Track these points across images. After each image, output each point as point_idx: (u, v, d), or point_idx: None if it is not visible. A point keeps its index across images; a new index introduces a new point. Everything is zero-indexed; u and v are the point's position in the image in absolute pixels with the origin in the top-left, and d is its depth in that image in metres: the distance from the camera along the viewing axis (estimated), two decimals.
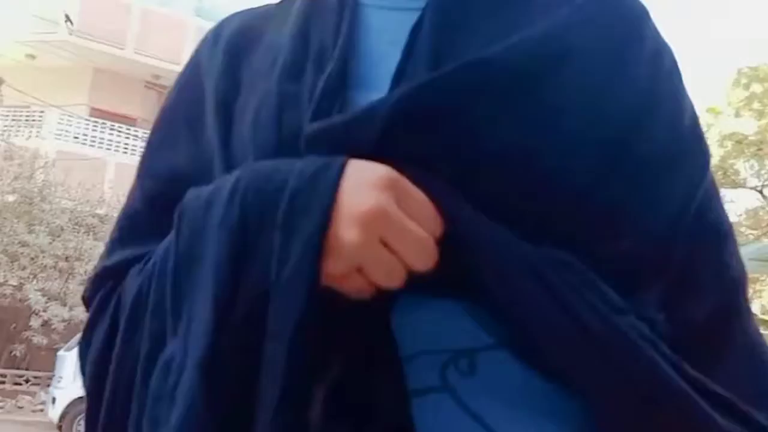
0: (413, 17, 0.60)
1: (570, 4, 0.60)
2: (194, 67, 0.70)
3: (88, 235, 13.05)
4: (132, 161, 15.99)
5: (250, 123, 0.60)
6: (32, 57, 16.41)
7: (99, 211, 13.37)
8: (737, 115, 16.28)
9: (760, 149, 15.30)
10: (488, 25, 0.59)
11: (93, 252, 12.55)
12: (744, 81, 16.11)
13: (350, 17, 0.62)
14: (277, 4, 0.71)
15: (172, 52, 16.39)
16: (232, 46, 0.67)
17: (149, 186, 0.69)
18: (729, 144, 15.39)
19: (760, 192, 15.95)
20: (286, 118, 0.58)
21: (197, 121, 0.66)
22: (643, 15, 0.63)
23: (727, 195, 15.74)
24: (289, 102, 0.58)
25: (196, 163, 0.64)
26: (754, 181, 15.79)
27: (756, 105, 15.74)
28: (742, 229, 15.25)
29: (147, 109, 17.59)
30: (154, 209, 0.66)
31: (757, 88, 15.95)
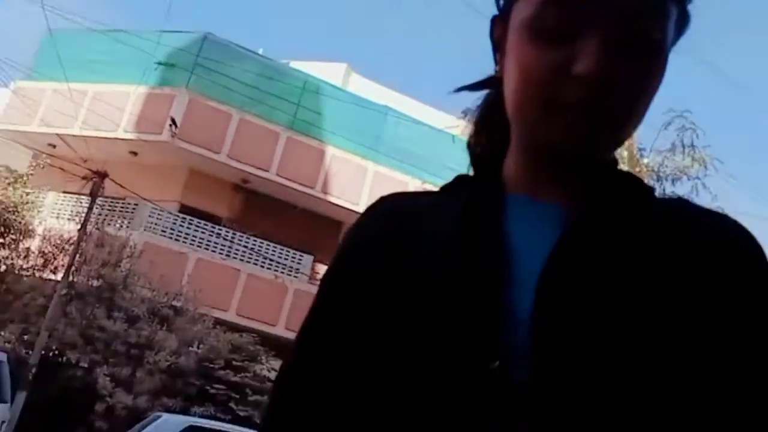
0: (554, 232, 0.72)
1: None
2: (359, 239, 0.81)
3: (162, 325, 13.33)
4: (211, 257, 16.64)
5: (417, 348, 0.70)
6: (134, 154, 17.50)
7: (175, 303, 13.77)
8: None
9: None
10: (616, 267, 0.69)
11: (164, 343, 12.85)
12: None
13: (501, 227, 0.73)
14: (434, 193, 0.85)
15: (263, 159, 17.31)
16: (388, 241, 0.77)
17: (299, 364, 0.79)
18: None
19: None
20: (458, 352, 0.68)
21: (349, 297, 0.77)
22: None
23: None
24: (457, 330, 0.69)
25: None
26: None
27: None
28: None
29: (233, 210, 18.40)
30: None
31: None
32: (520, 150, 0.78)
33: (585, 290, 0.68)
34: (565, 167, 0.75)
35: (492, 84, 0.85)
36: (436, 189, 0.85)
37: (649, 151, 11.41)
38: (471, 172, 0.86)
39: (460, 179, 0.84)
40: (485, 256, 0.71)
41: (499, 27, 0.79)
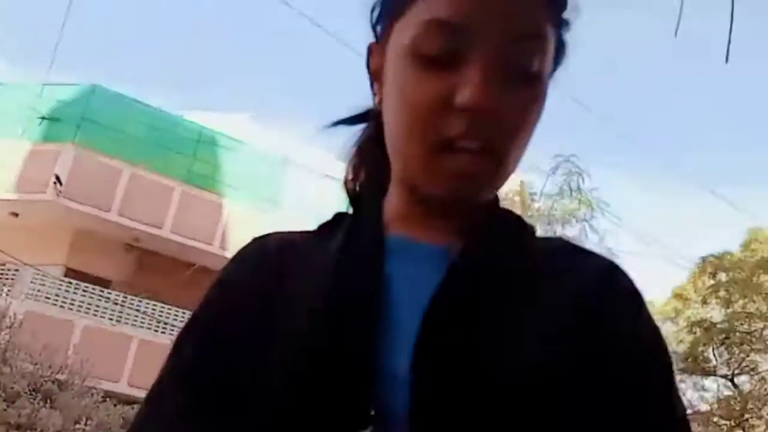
0: (433, 276, 0.70)
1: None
2: (228, 286, 0.78)
3: (45, 402, 12.44)
4: (100, 324, 15.82)
5: (278, 365, 0.67)
6: (15, 215, 16.49)
7: (60, 376, 12.91)
8: (704, 302, 16.56)
9: (728, 337, 15.40)
10: (497, 320, 0.67)
11: (48, 421, 11.98)
12: (710, 270, 16.53)
13: (379, 273, 0.71)
14: (312, 233, 0.81)
15: (156, 215, 16.64)
16: (270, 274, 0.75)
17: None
18: (698, 331, 15.51)
19: (731, 381, 15.87)
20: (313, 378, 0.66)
21: (226, 344, 0.72)
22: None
23: (698, 382, 15.61)
24: (317, 359, 0.66)
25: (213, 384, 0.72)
26: (723, 370, 15.76)
27: (722, 293, 16.05)
28: (715, 419, 15.02)
29: (124, 271, 17.55)
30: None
31: (722, 276, 16.34)
32: (401, 187, 0.76)
33: (466, 342, 0.65)
34: (446, 207, 0.73)
35: (370, 117, 0.83)
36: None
37: (539, 195, 11.97)
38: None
39: (338, 217, 0.81)
40: (359, 308, 0.68)
41: (376, 55, 0.77)
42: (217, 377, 0.71)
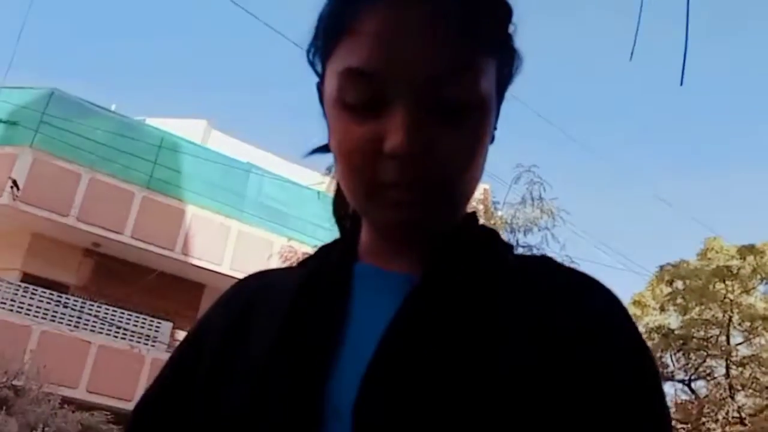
0: (396, 305, 0.68)
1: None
2: (204, 322, 0.81)
3: (1, 409, 12.10)
4: (58, 329, 15.47)
5: (234, 393, 0.68)
6: None
7: (16, 383, 12.60)
8: (662, 309, 16.87)
9: (685, 343, 15.71)
10: (455, 346, 0.65)
11: (3, 428, 11.69)
12: (667, 277, 16.86)
13: (337, 304, 0.71)
14: (294, 268, 0.82)
15: (116, 220, 16.35)
16: (241, 310, 0.77)
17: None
18: (656, 337, 15.78)
19: (688, 385, 16.17)
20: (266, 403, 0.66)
21: (187, 374, 0.76)
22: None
23: None
24: (271, 388, 0.66)
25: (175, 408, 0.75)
26: (681, 375, 16.07)
27: (679, 300, 16.37)
28: (672, 423, 15.27)
29: (83, 276, 17.21)
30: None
31: (679, 284, 16.68)
32: (365, 223, 0.76)
33: (416, 377, 0.62)
34: (406, 236, 0.72)
35: None
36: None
37: (502, 204, 12.25)
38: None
39: (321, 249, 0.81)
40: (313, 340, 0.67)
41: (323, 93, 0.76)
42: (171, 415, 0.75)
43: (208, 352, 0.75)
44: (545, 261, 0.76)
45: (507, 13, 0.72)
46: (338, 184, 0.80)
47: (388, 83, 0.66)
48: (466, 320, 0.66)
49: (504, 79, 0.74)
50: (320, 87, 0.76)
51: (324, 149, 0.81)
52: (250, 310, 0.76)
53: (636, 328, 0.70)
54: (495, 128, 0.75)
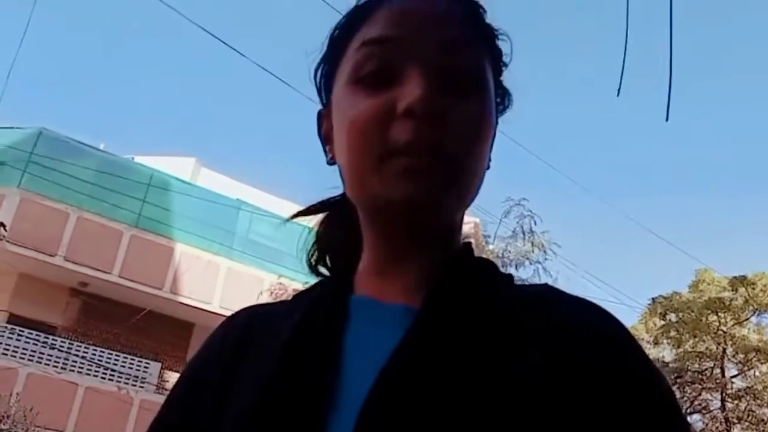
0: (395, 337, 0.66)
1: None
2: (206, 353, 0.79)
3: None
4: (45, 371, 15.24)
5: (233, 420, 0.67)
6: None
7: (2, 427, 12.42)
8: (656, 342, 16.80)
9: (680, 377, 15.61)
10: (457, 381, 0.62)
11: None
12: (660, 310, 16.82)
13: (339, 332, 0.69)
14: (285, 302, 0.81)
15: (104, 260, 16.24)
16: (235, 344, 0.75)
17: None
18: None
19: None
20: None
21: (188, 414, 0.74)
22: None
23: None
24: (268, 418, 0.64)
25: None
26: None
27: (673, 333, 16.32)
28: None
29: (70, 317, 17.01)
30: None
31: (672, 317, 16.64)
32: (367, 234, 0.75)
33: (414, 408, 0.61)
34: (410, 248, 0.72)
35: (331, 204, 0.85)
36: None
37: (493, 238, 12.21)
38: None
39: (317, 285, 0.81)
40: (311, 373, 0.66)
41: (325, 120, 0.78)
42: None
43: (207, 387, 0.73)
44: (548, 290, 0.73)
45: (493, 29, 0.77)
46: (327, 220, 0.84)
47: (404, 51, 0.69)
48: (467, 352, 0.64)
49: (497, 85, 0.76)
50: (321, 115, 0.79)
51: (316, 209, 0.86)
52: (246, 342, 0.75)
53: (643, 351, 0.68)
54: (494, 135, 0.75)
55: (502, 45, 0.77)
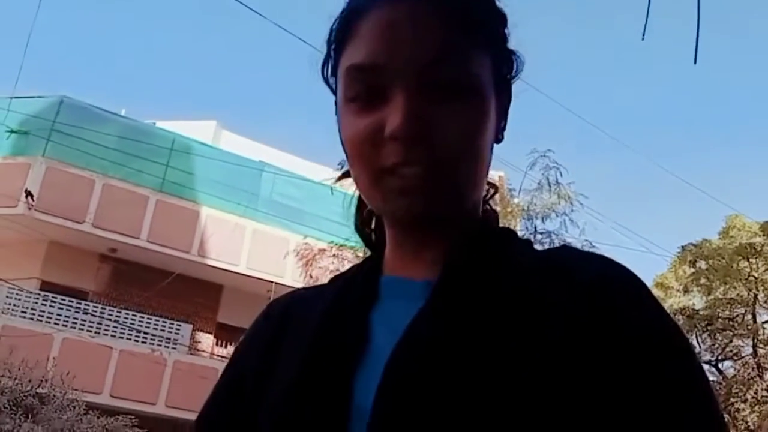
0: (416, 308, 0.71)
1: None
2: (244, 343, 0.86)
3: (27, 417, 12.18)
4: (79, 336, 15.56)
5: (270, 406, 0.73)
6: None
7: (41, 390, 12.65)
8: (686, 290, 16.66)
9: (710, 324, 15.51)
10: (475, 352, 0.66)
11: None
12: (689, 258, 16.64)
13: (361, 316, 0.75)
14: (319, 286, 0.88)
15: (132, 225, 16.43)
16: (275, 330, 0.82)
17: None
18: (680, 318, 15.60)
19: (715, 366, 15.99)
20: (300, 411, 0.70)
21: (236, 396, 0.81)
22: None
23: None
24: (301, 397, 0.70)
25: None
26: (707, 356, 15.88)
27: (703, 281, 16.16)
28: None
29: (101, 282, 17.33)
30: None
31: (702, 264, 16.46)
32: (386, 225, 0.80)
33: (433, 376, 0.65)
34: (425, 233, 0.76)
35: None
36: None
37: (518, 191, 12.05)
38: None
39: (352, 268, 0.85)
40: (339, 351, 0.71)
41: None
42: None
43: (251, 369, 0.80)
44: (566, 251, 0.77)
45: (497, 16, 0.78)
46: (359, 198, 0.86)
47: (386, 73, 0.71)
48: (483, 319, 0.68)
49: (502, 79, 0.78)
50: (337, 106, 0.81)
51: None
52: (285, 324, 0.82)
53: (656, 301, 0.71)
54: (503, 128, 0.80)
55: (503, 15, 0.78)
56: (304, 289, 0.91)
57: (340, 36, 0.77)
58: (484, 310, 0.68)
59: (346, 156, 0.76)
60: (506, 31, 0.79)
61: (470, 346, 0.66)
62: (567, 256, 0.75)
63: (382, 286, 0.78)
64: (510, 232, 0.82)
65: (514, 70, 0.80)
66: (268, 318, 0.86)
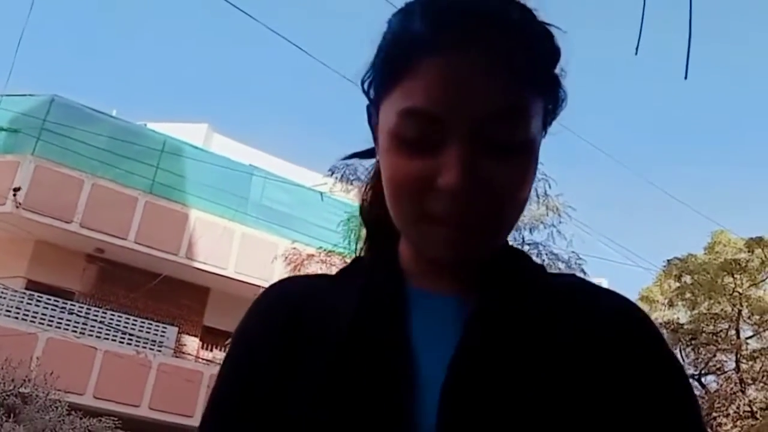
0: (456, 328, 0.74)
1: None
2: (246, 334, 0.82)
3: (8, 416, 12.09)
4: (64, 336, 15.46)
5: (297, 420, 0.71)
6: None
7: (23, 390, 12.54)
8: (671, 304, 16.75)
9: (694, 338, 15.59)
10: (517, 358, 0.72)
11: None
12: (675, 272, 16.73)
13: (403, 326, 0.75)
14: (331, 278, 0.85)
15: (120, 226, 16.33)
16: (288, 328, 0.78)
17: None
18: (665, 332, 15.68)
19: (699, 380, 16.06)
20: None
21: (244, 393, 0.77)
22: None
23: None
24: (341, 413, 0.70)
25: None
26: (691, 370, 15.95)
27: (688, 295, 16.25)
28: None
29: (87, 282, 17.21)
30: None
31: (687, 279, 16.55)
32: (410, 244, 0.80)
33: (490, 394, 0.69)
34: (450, 265, 0.77)
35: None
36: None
37: None
38: (362, 245, 0.89)
39: (357, 263, 0.85)
40: (384, 362, 0.71)
41: (374, 116, 0.80)
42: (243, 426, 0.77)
43: (262, 366, 0.77)
44: (579, 281, 0.84)
45: (555, 55, 0.77)
46: (372, 192, 0.87)
47: (446, 123, 0.70)
48: (526, 342, 0.73)
49: (549, 116, 0.78)
50: (370, 110, 0.81)
51: (364, 155, 0.87)
52: (299, 322, 0.78)
53: (664, 340, 0.80)
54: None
55: (559, 53, 0.77)
56: (306, 277, 0.88)
57: (398, 65, 0.73)
58: (522, 335, 0.74)
59: (386, 190, 0.75)
60: (558, 67, 0.78)
61: (518, 370, 0.71)
62: (588, 288, 0.82)
63: (412, 299, 0.78)
64: (525, 255, 0.85)
65: (559, 107, 0.80)
66: (275, 305, 0.82)
